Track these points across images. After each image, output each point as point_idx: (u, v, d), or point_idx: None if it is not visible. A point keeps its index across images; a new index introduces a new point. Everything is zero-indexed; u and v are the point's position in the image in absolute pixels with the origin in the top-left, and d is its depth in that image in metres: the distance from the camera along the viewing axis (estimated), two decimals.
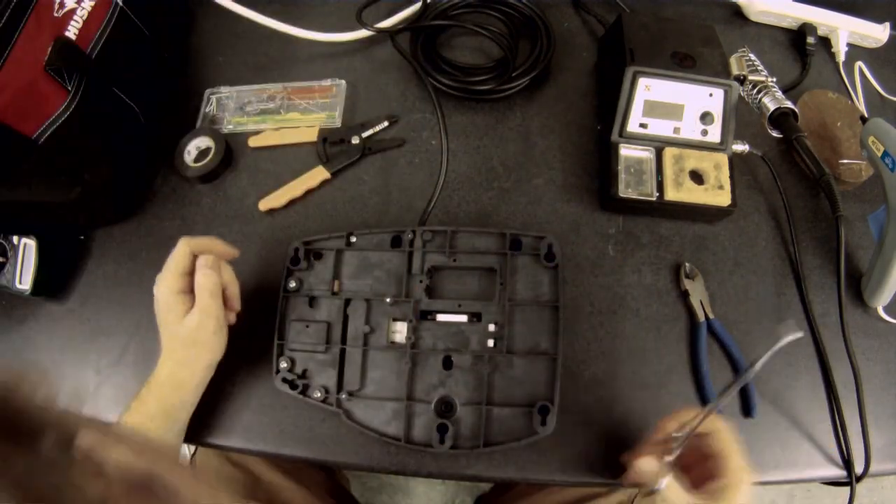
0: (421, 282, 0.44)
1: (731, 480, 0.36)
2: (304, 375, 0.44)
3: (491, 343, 0.43)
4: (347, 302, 0.45)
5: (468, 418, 0.42)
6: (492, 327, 0.43)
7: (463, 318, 0.44)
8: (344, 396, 0.43)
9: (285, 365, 0.44)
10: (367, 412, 0.42)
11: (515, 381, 0.42)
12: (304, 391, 0.43)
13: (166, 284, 0.41)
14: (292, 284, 0.46)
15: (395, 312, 0.44)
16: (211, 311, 0.40)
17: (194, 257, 0.41)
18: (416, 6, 0.59)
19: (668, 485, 0.36)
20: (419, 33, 0.58)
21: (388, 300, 0.44)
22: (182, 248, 0.41)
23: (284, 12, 0.60)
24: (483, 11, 0.60)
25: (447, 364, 0.43)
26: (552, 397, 0.41)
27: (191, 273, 0.41)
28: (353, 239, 0.47)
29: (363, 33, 0.58)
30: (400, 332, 0.44)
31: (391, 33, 0.58)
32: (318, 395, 0.43)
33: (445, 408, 0.42)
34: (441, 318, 0.44)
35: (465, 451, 0.41)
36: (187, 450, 0.66)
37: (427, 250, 0.45)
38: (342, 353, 0.44)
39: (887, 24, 0.61)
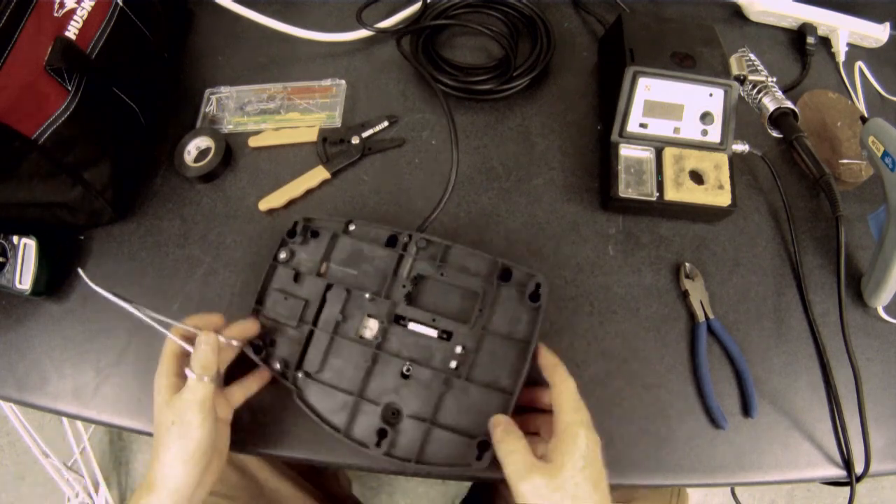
0: (404, 286, 0.44)
1: (561, 438, 0.35)
2: (271, 344, 0.44)
3: (453, 365, 0.42)
4: (329, 287, 0.45)
5: (410, 431, 0.41)
6: (458, 349, 0.42)
7: (433, 332, 0.43)
8: (300, 375, 0.43)
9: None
10: (318, 396, 0.42)
11: (465, 409, 0.41)
12: (266, 359, 0.43)
13: (158, 371, 0.39)
14: (283, 255, 0.46)
15: (370, 309, 0.44)
16: (197, 390, 0.36)
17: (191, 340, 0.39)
18: (416, 6, 0.59)
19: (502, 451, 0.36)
20: (419, 34, 0.58)
21: (367, 295, 0.44)
22: (173, 334, 0.39)
23: (284, 12, 0.60)
24: (483, 11, 0.60)
25: (405, 373, 0.42)
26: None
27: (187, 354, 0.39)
28: (352, 227, 0.47)
29: (363, 33, 0.58)
30: (371, 329, 0.44)
31: (397, 37, 0.57)
32: (278, 366, 0.43)
33: (392, 414, 0.42)
34: (412, 326, 0.44)
35: (399, 461, 0.41)
36: None
37: (418, 257, 0.45)
38: (310, 333, 0.44)
39: (887, 24, 0.61)
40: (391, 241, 0.46)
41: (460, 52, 0.59)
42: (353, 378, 0.42)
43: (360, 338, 0.44)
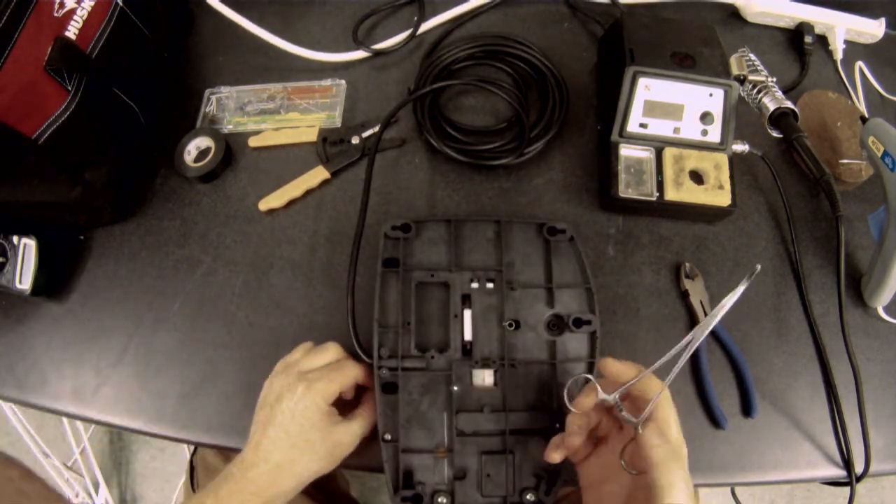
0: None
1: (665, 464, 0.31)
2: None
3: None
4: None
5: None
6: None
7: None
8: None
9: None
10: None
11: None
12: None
13: (333, 381, 0.39)
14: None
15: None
16: (355, 443, 0.40)
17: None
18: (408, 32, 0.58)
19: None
20: (423, 98, 0.54)
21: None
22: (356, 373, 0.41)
23: (284, 14, 0.60)
24: (488, 64, 0.57)
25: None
26: None
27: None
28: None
29: (360, 54, 0.58)
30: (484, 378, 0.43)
31: (414, 99, 0.53)
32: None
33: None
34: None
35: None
36: (187, 450, 0.66)
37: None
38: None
39: (882, 20, 0.61)
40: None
41: (468, 111, 0.56)
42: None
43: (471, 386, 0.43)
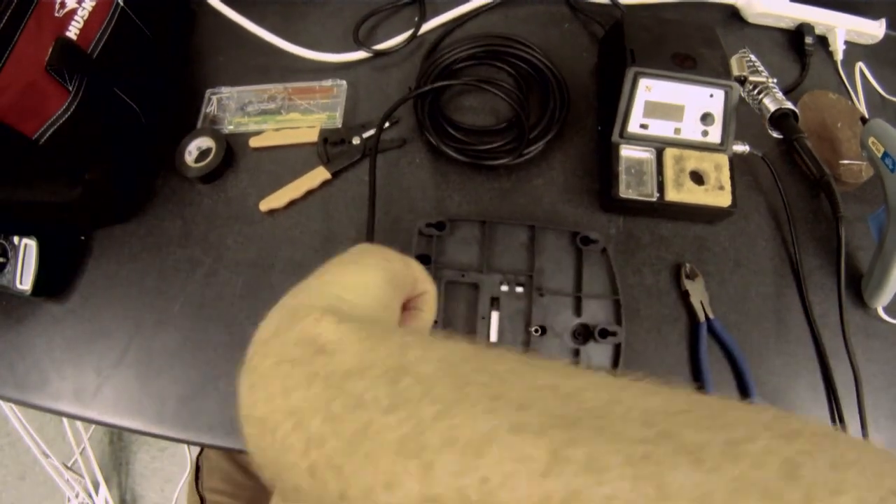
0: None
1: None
2: None
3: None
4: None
5: None
6: None
7: None
8: None
9: None
10: None
11: None
12: None
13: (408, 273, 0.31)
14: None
15: None
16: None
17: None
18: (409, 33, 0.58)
19: None
20: (425, 96, 0.54)
21: None
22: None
23: (285, 13, 0.60)
24: (489, 63, 0.57)
25: None
26: None
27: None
28: None
29: (361, 55, 0.58)
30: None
31: (414, 96, 0.54)
32: None
33: None
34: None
35: None
36: (188, 450, 0.66)
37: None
38: None
39: (883, 21, 0.61)
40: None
41: (468, 111, 0.56)
42: None
43: None
